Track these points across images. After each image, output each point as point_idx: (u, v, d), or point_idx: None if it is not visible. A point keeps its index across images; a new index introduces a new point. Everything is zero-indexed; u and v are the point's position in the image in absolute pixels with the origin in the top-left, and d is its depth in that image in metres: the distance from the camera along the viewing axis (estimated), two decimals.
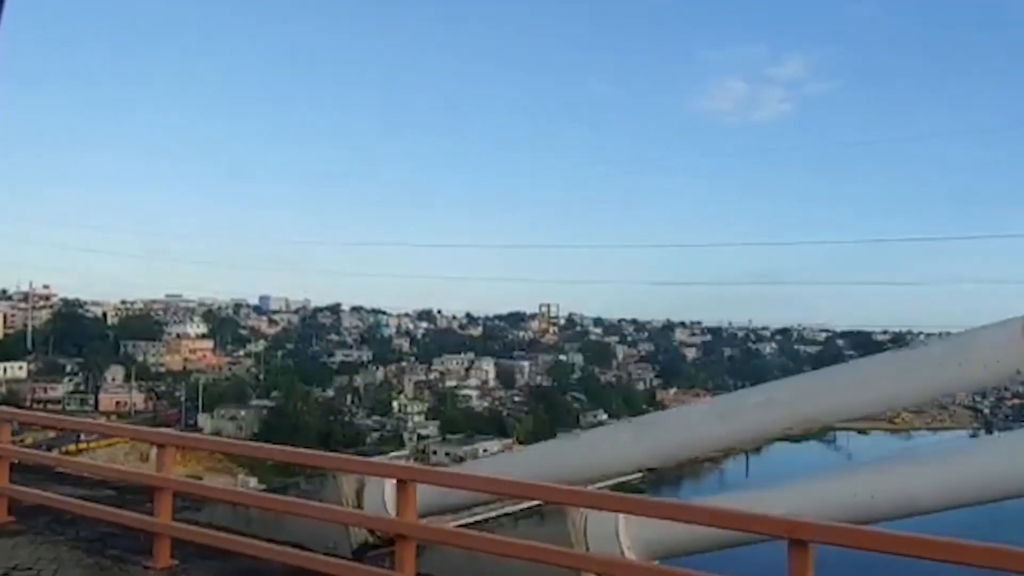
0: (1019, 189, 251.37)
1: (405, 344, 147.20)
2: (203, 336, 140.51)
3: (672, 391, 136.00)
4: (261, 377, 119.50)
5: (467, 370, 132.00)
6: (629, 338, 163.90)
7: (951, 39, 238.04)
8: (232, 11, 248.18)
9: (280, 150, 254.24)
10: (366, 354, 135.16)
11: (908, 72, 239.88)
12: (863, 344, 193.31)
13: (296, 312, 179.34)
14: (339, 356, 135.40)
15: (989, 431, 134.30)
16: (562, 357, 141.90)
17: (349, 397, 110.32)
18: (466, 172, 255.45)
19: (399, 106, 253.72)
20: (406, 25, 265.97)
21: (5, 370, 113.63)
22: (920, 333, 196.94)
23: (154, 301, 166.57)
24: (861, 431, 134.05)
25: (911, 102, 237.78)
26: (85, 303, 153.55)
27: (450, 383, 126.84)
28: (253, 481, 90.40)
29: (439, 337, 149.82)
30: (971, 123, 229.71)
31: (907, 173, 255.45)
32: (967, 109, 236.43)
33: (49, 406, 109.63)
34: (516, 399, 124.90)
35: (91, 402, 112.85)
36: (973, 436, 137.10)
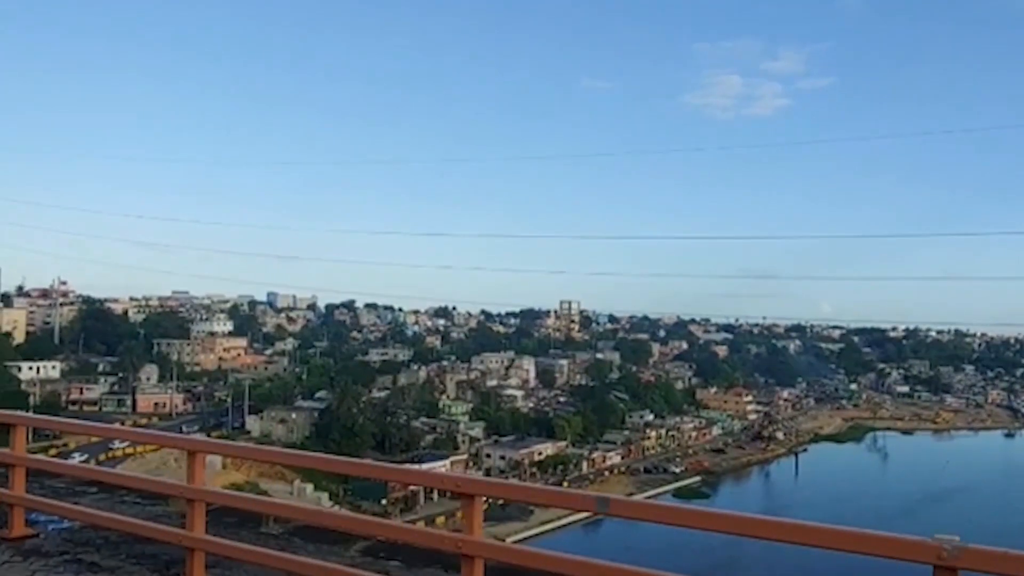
0: None
1: (437, 342, 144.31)
2: (230, 334, 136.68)
3: (712, 390, 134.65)
4: (303, 377, 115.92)
5: (507, 369, 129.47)
6: (659, 335, 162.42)
7: (946, 36, 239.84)
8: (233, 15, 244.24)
9: (273, 146, 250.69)
10: (403, 353, 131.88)
11: (905, 69, 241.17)
12: (878, 341, 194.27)
13: (310, 308, 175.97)
14: (373, 355, 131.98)
15: None
16: (599, 355, 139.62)
17: (399, 398, 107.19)
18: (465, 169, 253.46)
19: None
20: (425, 24, 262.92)
21: (39, 370, 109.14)
22: (929, 330, 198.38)
23: (166, 298, 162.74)
24: (906, 432, 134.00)
25: (914, 99, 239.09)
26: (101, 300, 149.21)
27: (491, 383, 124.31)
28: (309, 488, 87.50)
29: (474, 335, 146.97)
30: (982, 120, 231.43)
31: (912, 169, 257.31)
32: (978, 108, 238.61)
33: (86, 407, 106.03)
34: (560, 399, 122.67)
35: (128, 403, 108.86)
36: (1010, 436, 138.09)
